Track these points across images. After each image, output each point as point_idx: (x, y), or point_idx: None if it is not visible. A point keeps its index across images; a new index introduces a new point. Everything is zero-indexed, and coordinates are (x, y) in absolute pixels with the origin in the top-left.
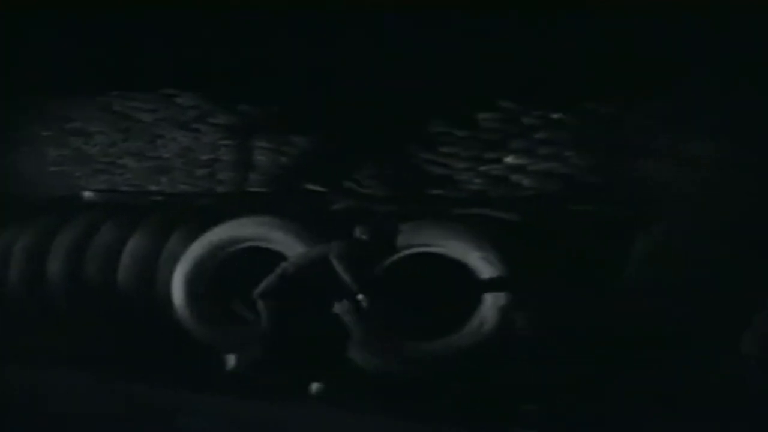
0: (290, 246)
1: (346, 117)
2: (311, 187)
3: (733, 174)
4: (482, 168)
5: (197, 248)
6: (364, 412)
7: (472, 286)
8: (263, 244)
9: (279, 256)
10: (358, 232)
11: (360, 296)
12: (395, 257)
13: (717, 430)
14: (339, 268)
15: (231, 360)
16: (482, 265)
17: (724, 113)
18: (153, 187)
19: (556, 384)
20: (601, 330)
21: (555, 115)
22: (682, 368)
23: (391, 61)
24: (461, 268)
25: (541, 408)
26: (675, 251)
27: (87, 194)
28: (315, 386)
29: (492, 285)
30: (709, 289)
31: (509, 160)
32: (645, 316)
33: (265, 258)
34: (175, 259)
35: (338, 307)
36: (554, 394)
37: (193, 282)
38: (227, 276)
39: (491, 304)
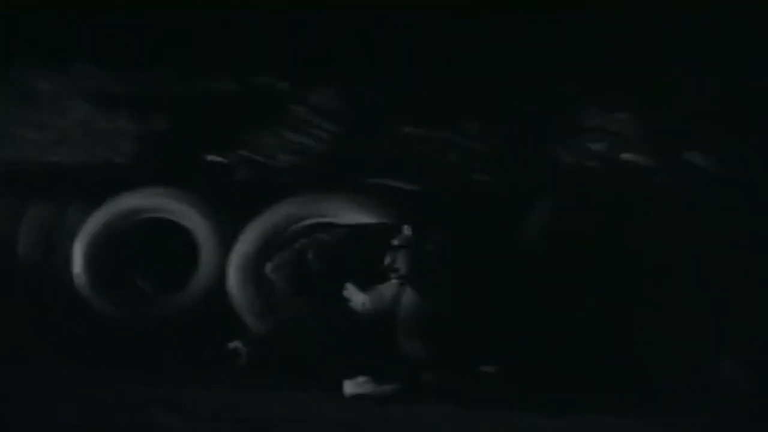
0: (191, 218)
1: (245, 85)
2: (212, 157)
3: (633, 150)
4: (378, 137)
5: (97, 220)
6: (267, 382)
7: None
8: (164, 216)
9: (179, 228)
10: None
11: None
12: (297, 227)
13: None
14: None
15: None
16: None
17: (622, 90)
18: (51, 158)
19: (458, 353)
20: (503, 300)
21: (455, 85)
22: (576, 336)
23: (293, 26)
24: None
25: (441, 378)
26: (572, 223)
27: None
28: (233, 344)
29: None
30: (603, 259)
31: (408, 129)
32: (544, 286)
33: (165, 229)
34: (74, 231)
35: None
36: (454, 364)
37: (93, 254)
38: (128, 248)
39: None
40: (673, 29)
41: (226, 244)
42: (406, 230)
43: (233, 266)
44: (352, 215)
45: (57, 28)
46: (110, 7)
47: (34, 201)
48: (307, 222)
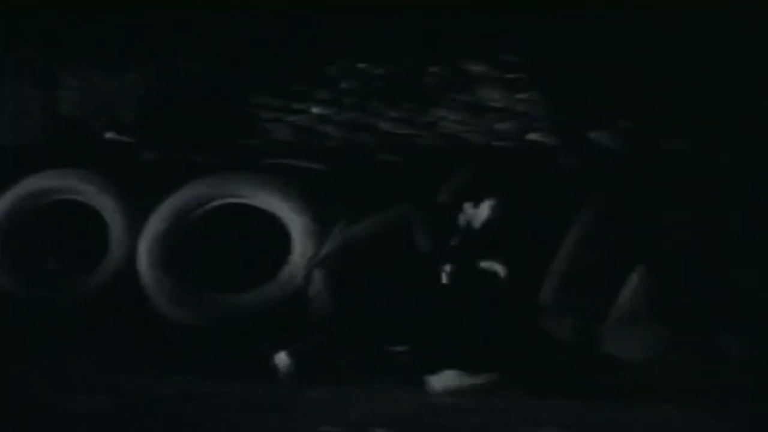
0: (99, 199)
1: (154, 67)
2: (118, 137)
3: (538, 130)
4: (290, 118)
5: (5, 202)
6: (170, 368)
7: (282, 238)
8: (73, 197)
9: (89, 209)
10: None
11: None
12: (206, 208)
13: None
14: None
15: (282, 359)
16: (291, 216)
17: (527, 71)
18: None
19: (366, 335)
20: (408, 280)
21: (361, 65)
22: (483, 314)
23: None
24: (270, 220)
25: (350, 360)
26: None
27: None
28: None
29: (301, 236)
30: (511, 237)
31: (316, 110)
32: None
33: (75, 211)
34: None
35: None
36: (363, 345)
37: (1, 237)
38: (37, 230)
39: (300, 255)
40: (573, 9)
41: (136, 225)
42: (468, 208)
43: (144, 247)
44: (262, 195)
45: None
46: None
47: None
48: (217, 203)
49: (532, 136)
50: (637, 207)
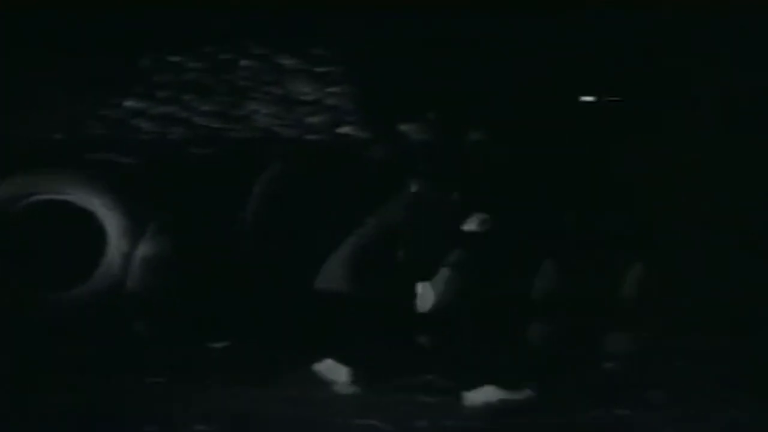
0: None
1: None
2: None
3: (348, 123)
4: (102, 112)
5: None
6: None
7: (97, 234)
8: None
9: None
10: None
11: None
12: (22, 204)
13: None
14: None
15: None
16: (104, 211)
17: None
18: None
19: (186, 330)
20: (229, 275)
21: (173, 59)
22: (301, 308)
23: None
24: (86, 216)
25: (171, 353)
26: (298, 189)
27: None
28: None
29: (115, 232)
30: (324, 232)
31: (128, 103)
32: (270, 260)
33: None
34: None
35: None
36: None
37: None
38: None
39: (115, 251)
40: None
41: None
42: (479, 216)
43: None
44: (76, 191)
45: None
46: None
47: None
48: (32, 199)
49: (343, 129)
50: (449, 198)
